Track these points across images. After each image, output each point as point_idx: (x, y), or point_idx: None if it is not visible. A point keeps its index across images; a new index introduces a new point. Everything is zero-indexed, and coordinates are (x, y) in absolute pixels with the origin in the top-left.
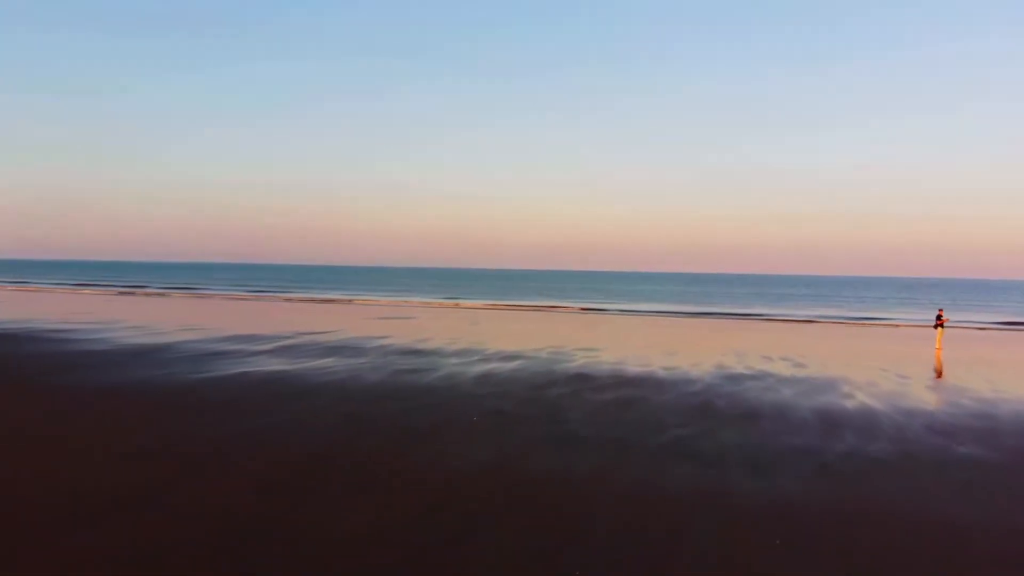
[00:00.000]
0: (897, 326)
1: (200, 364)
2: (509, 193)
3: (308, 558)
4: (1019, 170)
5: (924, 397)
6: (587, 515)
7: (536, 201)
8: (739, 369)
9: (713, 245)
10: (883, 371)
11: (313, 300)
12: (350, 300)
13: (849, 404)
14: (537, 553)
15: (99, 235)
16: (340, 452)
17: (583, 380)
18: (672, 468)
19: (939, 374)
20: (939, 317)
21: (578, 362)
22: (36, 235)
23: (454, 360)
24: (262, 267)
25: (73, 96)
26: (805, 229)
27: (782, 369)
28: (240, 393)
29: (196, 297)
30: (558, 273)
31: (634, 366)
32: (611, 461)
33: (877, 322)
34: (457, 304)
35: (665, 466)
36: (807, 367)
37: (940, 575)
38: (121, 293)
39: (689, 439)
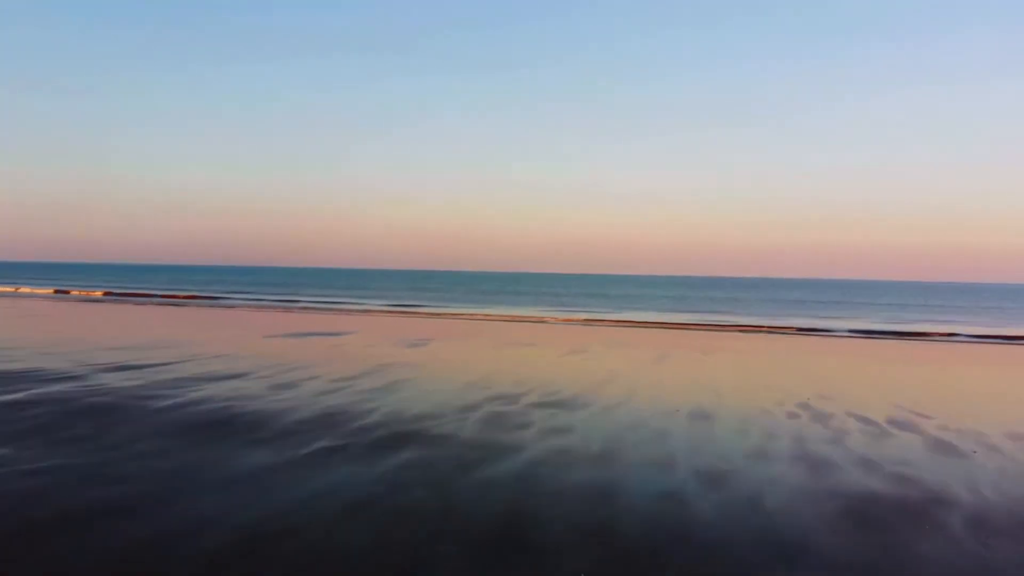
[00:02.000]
0: (960, 342)
1: None
2: (510, 194)
3: None
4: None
5: None
6: None
7: (536, 202)
8: (850, 468)
9: (704, 248)
10: None
11: (246, 307)
12: (294, 307)
13: None
14: None
15: (92, 237)
16: None
17: (510, 555)
18: None
19: None
20: None
21: (526, 454)
22: (22, 237)
23: (265, 454)
24: (263, 270)
25: (67, 95)
26: (800, 232)
27: (929, 462)
28: None
29: (92, 302)
30: (557, 276)
31: (638, 465)
32: None
33: (934, 338)
34: (427, 312)
35: None
36: (962, 449)
37: None
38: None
39: None
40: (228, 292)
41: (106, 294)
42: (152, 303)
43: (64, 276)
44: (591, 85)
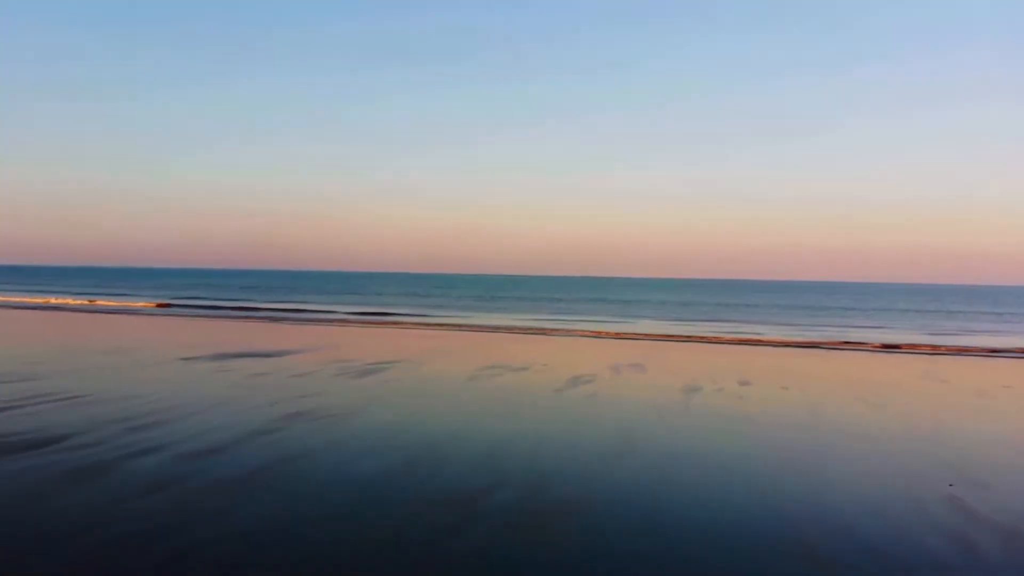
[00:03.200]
0: None
1: None
2: (510, 197)
3: None
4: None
5: None
6: None
7: (534, 204)
8: None
9: (698, 249)
10: None
11: (189, 318)
12: (251, 316)
13: None
14: None
15: (90, 241)
16: None
17: None
18: None
19: None
20: None
21: None
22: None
23: None
24: (264, 273)
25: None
26: (793, 234)
27: None
28: None
29: (24, 310)
30: (553, 279)
31: None
32: None
33: (1013, 355)
34: (408, 323)
35: None
36: None
37: None
38: None
39: None
40: (191, 298)
41: (46, 302)
42: (96, 312)
43: (46, 281)
44: (594, 90)
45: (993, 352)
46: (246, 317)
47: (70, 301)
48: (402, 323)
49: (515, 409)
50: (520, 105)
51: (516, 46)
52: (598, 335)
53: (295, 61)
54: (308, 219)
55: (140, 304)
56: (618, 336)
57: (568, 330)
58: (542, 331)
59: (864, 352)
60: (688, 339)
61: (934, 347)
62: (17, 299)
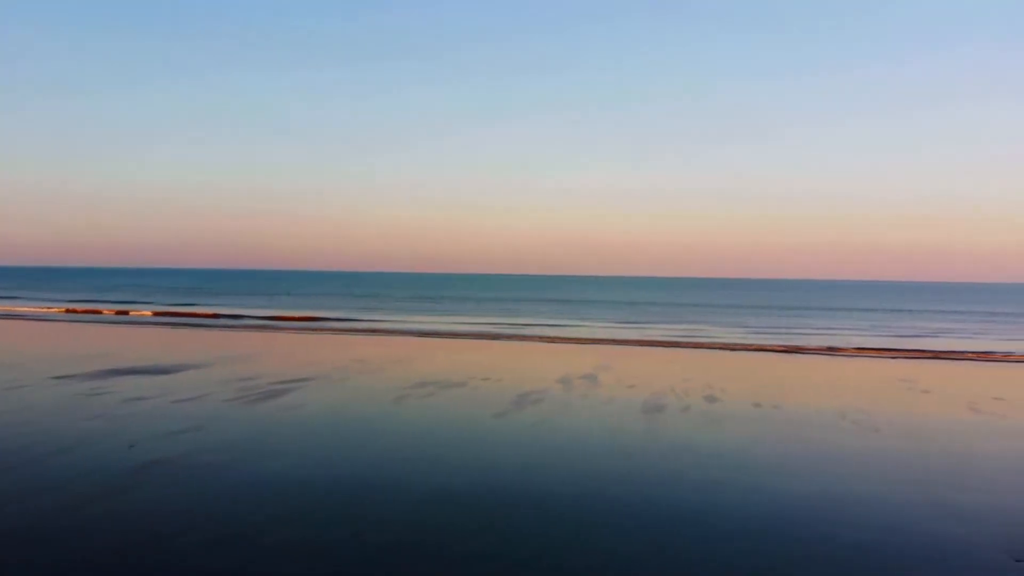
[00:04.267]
0: None
1: None
2: (509, 197)
3: None
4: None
5: None
6: None
7: (533, 204)
8: None
9: (694, 247)
10: None
11: (105, 324)
12: (184, 322)
13: None
14: None
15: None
16: None
17: None
18: None
19: None
20: None
21: None
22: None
23: None
24: (264, 273)
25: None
26: (794, 233)
27: None
28: None
29: None
30: (557, 279)
31: None
32: None
33: None
34: (341, 328)
35: None
36: None
37: None
38: None
39: None
40: (139, 299)
41: None
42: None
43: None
44: (590, 92)
45: (983, 356)
46: (176, 323)
47: None
48: (341, 329)
49: (444, 449)
50: (517, 102)
51: (510, 43)
52: (550, 340)
53: (295, 59)
54: (284, 217)
55: (44, 308)
56: (575, 341)
57: (518, 335)
58: (490, 335)
59: (830, 357)
60: (645, 343)
61: (894, 351)
62: None
